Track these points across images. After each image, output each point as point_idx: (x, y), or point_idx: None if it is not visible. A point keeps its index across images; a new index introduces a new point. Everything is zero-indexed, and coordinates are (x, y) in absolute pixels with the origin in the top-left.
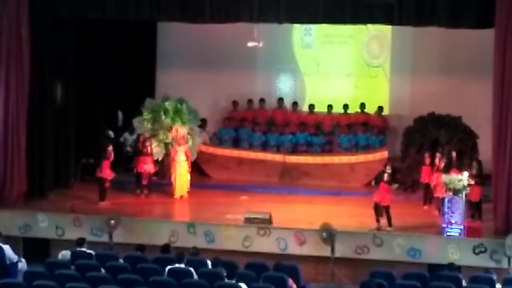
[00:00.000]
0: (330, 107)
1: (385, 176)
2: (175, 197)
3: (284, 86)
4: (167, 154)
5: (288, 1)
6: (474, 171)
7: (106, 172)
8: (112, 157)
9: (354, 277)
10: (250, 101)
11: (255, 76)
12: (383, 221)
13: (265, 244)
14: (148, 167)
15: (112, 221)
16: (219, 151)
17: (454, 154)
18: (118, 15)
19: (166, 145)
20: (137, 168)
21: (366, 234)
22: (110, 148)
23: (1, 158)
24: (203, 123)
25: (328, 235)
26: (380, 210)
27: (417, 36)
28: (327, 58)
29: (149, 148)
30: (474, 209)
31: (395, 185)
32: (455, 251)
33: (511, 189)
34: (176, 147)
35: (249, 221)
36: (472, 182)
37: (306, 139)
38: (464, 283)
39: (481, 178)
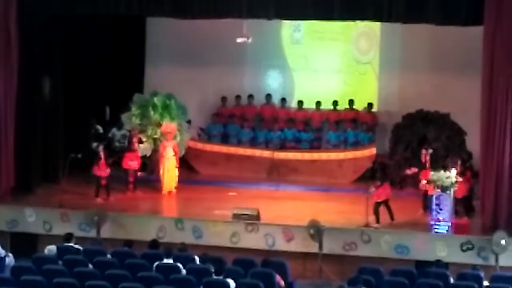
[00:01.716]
0: (318, 103)
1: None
2: (163, 192)
3: (273, 82)
4: (155, 150)
5: None
6: (459, 168)
7: (101, 170)
8: (103, 157)
9: (341, 273)
10: (238, 97)
11: (244, 72)
12: (372, 217)
13: (253, 240)
14: (132, 164)
15: (96, 217)
16: (208, 147)
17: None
18: (107, 10)
19: (155, 140)
20: (122, 165)
21: (354, 231)
22: (101, 148)
23: None
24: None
25: (316, 231)
26: (374, 206)
27: (406, 33)
28: (316, 55)
29: (136, 144)
30: (458, 205)
31: (372, 189)
32: (442, 248)
33: (498, 186)
34: (165, 143)
35: (237, 217)
36: (460, 179)
37: (294, 135)
38: (451, 280)
39: (466, 175)
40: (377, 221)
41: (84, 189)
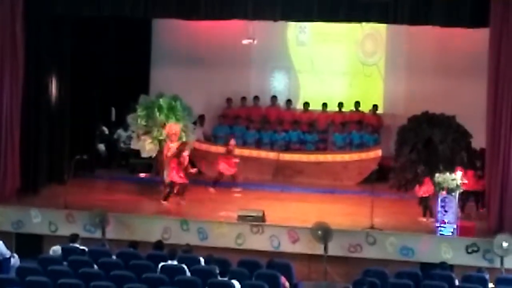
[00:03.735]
0: (324, 105)
1: None
2: None
3: (279, 83)
4: (160, 151)
5: None
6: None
7: (179, 176)
8: (186, 163)
9: (346, 275)
10: (243, 98)
11: (250, 74)
12: (377, 219)
13: (258, 242)
14: None
15: (97, 219)
16: (213, 148)
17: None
18: (113, 12)
19: (160, 142)
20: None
21: (359, 233)
22: (186, 154)
23: None
24: (201, 120)
25: (324, 233)
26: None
27: (412, 34)
28: (322, 56)
29: None
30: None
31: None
32: (447, 250)
33: (504, 189)
34: (169, 144)
35: (242, 218)
36: (466, 181)
37: (299, 137)
38: (456, 282)
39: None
40: (425, 215)
41: (89, 190)
